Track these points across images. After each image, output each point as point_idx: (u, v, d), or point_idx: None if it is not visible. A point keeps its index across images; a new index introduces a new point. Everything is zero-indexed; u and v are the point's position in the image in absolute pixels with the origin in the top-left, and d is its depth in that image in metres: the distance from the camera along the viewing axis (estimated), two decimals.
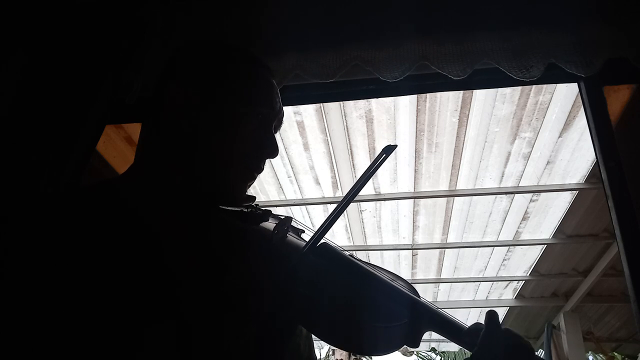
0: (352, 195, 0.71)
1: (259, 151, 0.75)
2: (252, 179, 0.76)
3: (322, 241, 0.70)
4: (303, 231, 0.78)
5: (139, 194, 0.71)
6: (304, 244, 0.71)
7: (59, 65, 1.28)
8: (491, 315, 0.62)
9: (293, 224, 0.77)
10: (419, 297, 0.68)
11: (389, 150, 0.73)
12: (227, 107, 0.72)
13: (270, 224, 0.74)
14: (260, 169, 0.76)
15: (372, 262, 3.67)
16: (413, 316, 0.63)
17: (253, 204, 0.77)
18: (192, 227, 0.70)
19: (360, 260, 0.72)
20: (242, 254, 0.68)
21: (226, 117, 0.72)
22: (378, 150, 2.70)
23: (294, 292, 0.63)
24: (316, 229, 0.70)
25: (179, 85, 0.73)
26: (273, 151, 0.76)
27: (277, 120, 0.79)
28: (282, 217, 0.75)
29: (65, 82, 1.27)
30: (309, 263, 0.67)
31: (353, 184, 0.73)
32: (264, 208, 0.77)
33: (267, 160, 0.77)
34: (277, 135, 0.79)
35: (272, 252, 0.68)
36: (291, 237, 0.73)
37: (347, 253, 0.72)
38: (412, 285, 0.72)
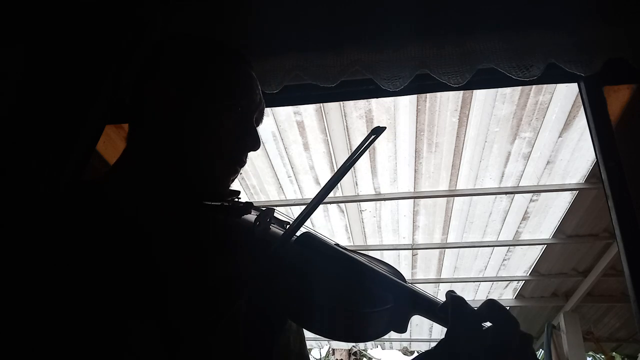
0: (336, 179, 0.70)
1: (241, 144, 0.74)
2: (236, 172, 0.76)
3: (304, 230, 0.70)
4: (288, 223, 0.78)
5: (125, 191, 0.71)
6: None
7: (59, 65, 1.28)
8: (453, 300, 0.57)
9: (276, 215, 0.76)
10: (405, 281, 0.68)
11: (378, 131, 0.72)
12: (207, 102, 0.72)
13: (252, 216, 0.74)
14: (243, 163, 0.76)
15: None
16: (398, 300, 0.63)
17: (236, 198, 0.77)
18: (177, 223, 0.71)
19: (343, 247, 0.71)
20: (226, 248, 0.68)
21: (206, 112, 0.72)
22: (378, 150, 2.71)
23: (278, 280, 0.63)
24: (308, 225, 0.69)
25: (159, 82, 0.73)
26: (255, 144, 0.76)
27: (258, 112, 0.79)
28: (263, 209, 0.75)
29: (65, 82, 1.27)
30: (292, 251, 0.67)
31: (339, 167, 0.73)
32: (245, 201, 0.76)
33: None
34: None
35: (255, 244, 0.68)
36: (274, 228, 0.73)
37: (330, 241, 0.71)
38: (398, 270, 0.72)
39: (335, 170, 2.90)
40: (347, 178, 2.98)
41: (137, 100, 0.75)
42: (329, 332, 0.62)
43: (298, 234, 0.69)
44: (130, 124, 0.77)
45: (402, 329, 0.62)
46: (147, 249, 0.63)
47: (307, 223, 0.68)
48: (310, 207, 0.66)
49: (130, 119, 0.77)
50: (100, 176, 0.76)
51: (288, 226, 0.75)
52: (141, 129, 0.75)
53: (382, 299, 0.62)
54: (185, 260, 0.64)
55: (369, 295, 0.63)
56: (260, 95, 0.79)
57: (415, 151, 2.70)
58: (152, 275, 0.60)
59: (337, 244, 0.72)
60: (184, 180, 0.72)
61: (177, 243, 0.67)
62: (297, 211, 3.39)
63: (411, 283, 0.71)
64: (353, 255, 0.69)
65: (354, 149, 2.74)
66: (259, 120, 0.80)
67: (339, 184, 3.04)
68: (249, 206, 0.75)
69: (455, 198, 3.12)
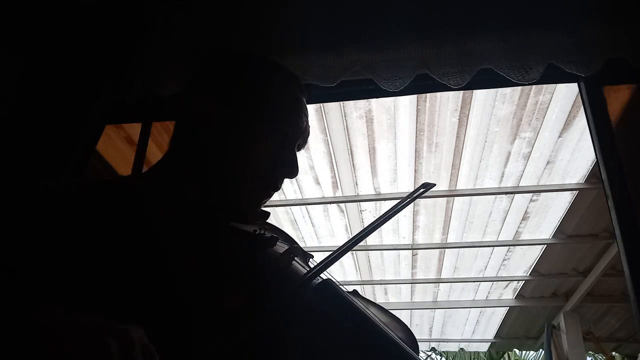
0: (375, 227, 0.69)
1: (277, 170, 0.71)
2: (268, 196, 0.73)
3: (325, 277, 0.67)
4: (312, 256, 0.76)
5: (153, 200, 0.69)
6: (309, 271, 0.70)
7: (59, 65, 1.28)
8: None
9: (301, 248, 0.75)
10: (418, 350, 0.66)
11: (427, 186, 0.71)
12: (247, 122, 0.70)
13: (277, 249, 0.71)
14: (277, 188, 0.73)
15: (371, 262, 3.64)
16: None
17: (264, 222, 0.75)
18: (201, 242, 0.68)
19: (362, 300, 0.69)
20: (246, 280, 0.66)
21: (245, 131, 0.69)
22: (378, 150, 2.71)
23: (291, 324, 0.61)
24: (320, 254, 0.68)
25: (201, 95, 0.71)
26: (292, 172, 0.73)
27: (301, 140, 0.75)
28: (289, 245, 0.72)
29: (66, 82, 1.27)
30: (309, 297, 0.65)
31: (379, 216, 0.71)
32: (274, 228, 0.74)
33: None
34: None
35: (276, 280, 0.66)
36: (297, 264, 0.71)
37: (348, 294, 0.69)
38: (412, 333, 0.70)
39: (337, 169, 2.90)
40: (347, 178, 2.98)
41: (181, 112, 0.74)
42: None
43: (321, 276, 0.67)
44: (174, 134, 0.76)
45: None
46: (166, 263, 0.61)
47: (307, 223, 0.66)
48: (338, 254, 0.64)
49: (174, 129, 0.76)
50: (131, 177, 0.74)
51: (311, 267, 0.72)
52: (180, 141, 0.73)
53: None
54: (204, 285, 0.63)
55: None
56: (306, 122, 0.75)
57: (415, 151, 2.70)
58: (166, 294, 0.59)
59: (354, 291, 0.70)
60: (209, 197, 0.70)
61: (198, 264, 0.65)
62: (297, 211, 3.39)
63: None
64: (369, 315, 0.67)
65: (353, 149, 2.72)
66: (302, 146, 0.77)
67: (339, 185, 3.04)
68: (275, 239, 0.72)
69: (455, 198, 3.12)
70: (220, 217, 0.70)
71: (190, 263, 0.64)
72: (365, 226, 0.69)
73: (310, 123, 0.78)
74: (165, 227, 0.67)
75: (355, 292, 0.71)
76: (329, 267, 0.65)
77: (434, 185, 0.73)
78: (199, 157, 0.70)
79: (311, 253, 0.77)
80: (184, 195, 0.70)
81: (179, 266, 0.62)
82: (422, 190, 0.72)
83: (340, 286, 0.68)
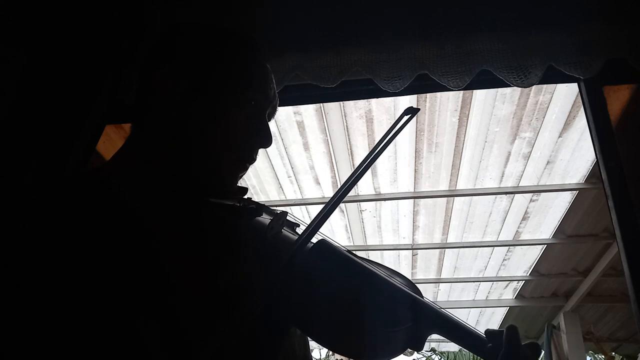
0: (367, 164, 0.67)
1: (252, 140, 0.71)
2: (244, 169, 0.73)
3: (320, 238, 0.67)
4: (298, 225, 0.75)
5: (130, 185, 0.68)
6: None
7: (59, 65, 1.28)
8: (512, 331, 0.58)
9: (288, 218, 0.73)
10: (422, 295, 0.65)
11: (412, 112, 0.69)
12: (219, 93, 0.69)
13: (264, 219, 0.70)
14: (252, 159, 0.73)
15: None
16: (417, 319, 0.60)
17: (245, 197, 0.74)
18: (185, 222, 0.68)
19: (359, 258, 0.69)
20: (236, 252, 0.65)
21: (218, 103, 0.69)
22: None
23: (289, 290, 0.60)
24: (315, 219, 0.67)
25: (169, 70, 0.70)
26: (266, 140, 0.73)
27: (271, 108, 0.75)
28: (277, 212, 0.72)
29: (66, 82, 1.27)
30: (305, 260, 0.64)
31: (370, 150, 0.69)
32: (257, 202, 0.73)
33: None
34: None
35: (267, 249, 0.65)
36: (286, 232, 0.70)
37: (345, 250, 0.69)
38: (413, 282, 0.69)
39: (337, 169, 2.90)
40: (347, 178, 2.97)
41: (144, 89, 0.72)
42: (339, 348, 0.60)
43: (313, 240, 0.66)
44: (136, 114, 0.74)
45: (418, 347, 0.60)
46: (152, 246, 0.61)
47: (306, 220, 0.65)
48: (330, 206, 0.63)
49: (136, 108, 0.74)
50: (100, 167, 0.72)
51: (303, 230, 0.73)
52: (148, 119, 0.71)
53: (400, 318, 0.60)
54: (194, 263, 0.62)
55: (385, 312, 0.60)
56: (274, 89, 0.76)
57: (415, 151, 2.70)
58: (156, 275, 0.59)
59: (349, 251, 0.69)
60: (190, 174, 0.69)
61: (184, 243, 0.65)
62: (297, 211, 3.39)
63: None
64: (370, 267, 0.66)
65: (353, 149, 2.71)
66: (272, 115, 0.77)
67: (339, 185, 3.04)
68: (261, 208, 0.71)
69: (455, 198, 3.12)
70: (201, 195, 0.69)
71: (179, 248, 0.64)
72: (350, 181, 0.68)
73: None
74: (149, 214, 0.66)
75: (350, 252, 0.70)
76: (320, 228, 0.63)
77: (419, 110, 0.71)
78: (172, 135, 0.69)
79: (297, 223, 0.76)
80: (163, 176, 0.69)
81: (168, 254, 0.62)
82: (407, 117, 0.70)
83: (336, 243, 0.68)
